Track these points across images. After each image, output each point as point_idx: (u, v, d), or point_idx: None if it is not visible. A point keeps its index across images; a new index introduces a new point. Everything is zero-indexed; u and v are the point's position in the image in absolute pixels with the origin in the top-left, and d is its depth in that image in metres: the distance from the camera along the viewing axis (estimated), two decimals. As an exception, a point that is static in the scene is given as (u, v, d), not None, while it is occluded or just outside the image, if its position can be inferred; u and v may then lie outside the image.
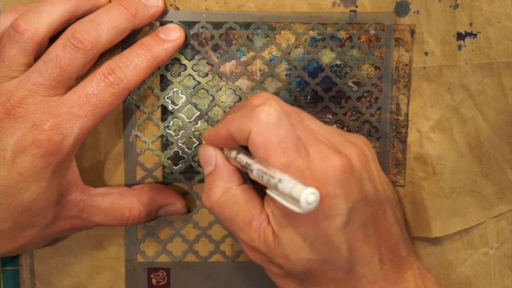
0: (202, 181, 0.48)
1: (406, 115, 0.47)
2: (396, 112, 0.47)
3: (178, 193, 0.48)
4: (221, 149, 0.42)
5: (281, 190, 0.35)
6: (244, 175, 0.42)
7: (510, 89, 0.46)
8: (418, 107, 0.47)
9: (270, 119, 0.39)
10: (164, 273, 0.49)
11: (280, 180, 0.35)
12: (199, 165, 0.48)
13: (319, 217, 0.39)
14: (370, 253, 0.41)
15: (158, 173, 0.48)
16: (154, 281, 0.49)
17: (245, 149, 0.40)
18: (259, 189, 0.42)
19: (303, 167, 0.39)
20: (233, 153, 0.41)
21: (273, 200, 0.39)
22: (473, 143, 0.47)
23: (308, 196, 0.34)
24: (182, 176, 0.48)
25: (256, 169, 0.38)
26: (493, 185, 0.47)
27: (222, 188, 0.41)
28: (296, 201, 0.34)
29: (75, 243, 0.48)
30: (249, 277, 0.49)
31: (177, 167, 0.48)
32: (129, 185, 0.47)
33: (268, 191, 0.37)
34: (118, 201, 0.45)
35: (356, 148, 0.41)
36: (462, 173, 0.47)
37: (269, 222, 0.40)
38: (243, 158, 0.40)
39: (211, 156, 0.42)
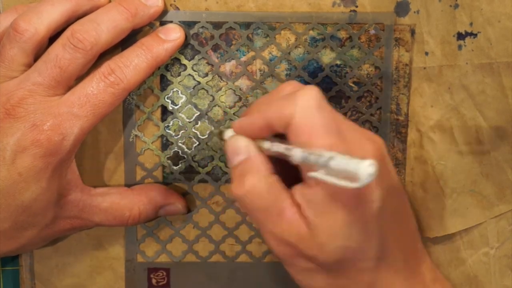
0: (202, 181, 0.48)
1: (406, 115, 0.47)
2: (396, 112, 0.47)
3: (178, 193, 0.48)
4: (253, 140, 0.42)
5: (334, 167, 0.34)
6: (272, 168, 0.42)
7: (510, 89, 0.46)
8: (418, 107, 0.47)
9: (313, 102, 0.38)
10: (164, 273, 0.49)
11: (331, 158, 0.35)
12: (199, 165, 0.48)
13: (357, 202, 0.38)
14: (397, 243, 0.41)
15: (158, 173, 0.48)
16: (154, 281, 0.49)
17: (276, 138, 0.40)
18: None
19: (344, 152, 0.38)
20: (267, 143, 0.40)
21: (310, 187, 0.39)
22: (473, 143, 0.47)
23: (367, 168, 0.33)
24: (182, 176, 0.48)
25: (300, 151, 0.37)
26: (493, 185, 0.47)
27: (257, 176, 0.40)
28: (352, 175, 0.33)
29: (75, 243, 0.48)
30: (248, 277, 0.49)
31: (177, 167, 0.48)
32: (129, 185, 0.48)
33: (312, 174, 0.36)
34: (118, 201, 0.45)
35: (379, 139, 0.41)
36: (462, 173, 0.47)
37: (300, 214, 0.39)
38: (280, 145, 0.39)
39: (244, 146, 0.41)
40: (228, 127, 0.43)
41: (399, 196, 0.42)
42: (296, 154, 0.37)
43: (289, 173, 0.40)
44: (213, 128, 0.47)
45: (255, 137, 0.41)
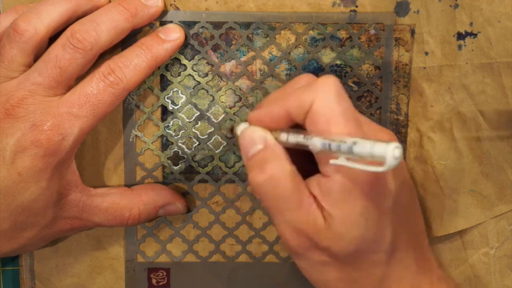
0: (202, 181, 0.48)
1: (406, 115, 0.47)
2: (396, 112, 0.47)
3: (178, 193, 0.48)
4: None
5: (357, 153, 0.34)
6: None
7: (510, 89, 0.46)
8: (418, 107, 0.47)
9: (333, 90, 0.38)
10: (164, 273, 0.49)
11: (355, 143, 0.34)
12: (199, 165, 0.48)
13: (374, 192, 0.39)
14: (407, 239, 0.41)
15: (158, 173, 0.48)
16: (154, 281, 0.49)
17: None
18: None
19: None
20: (283, 134, 0.40)
21: (327, 178, 0.39)
22: (473, 143, 0.47)
23: (394, 150, 0.33)
24: (182, 176, 0.48)
25: (320, 139, 0.37)
26: (493, 185, 0.47)
27: (279, 164, 0.40)
28: (378, 159, 0.33)
29: (75, 243, 0.48)
30: (249, 277, 0.49)
31: (177, 167, 0.48)
32: (129, 185, 0.47)
33: (334, 161, 0.36)
34: (118, 201, 0.45)
35: (391, 133, 0.42)
36: (462, 173, 0.47)
37: (317, 205, 0.39)
38: (299, 134, 0.39)
39: (261, 136, 0.41)
40: (238, 123, 0.43)
41: (411, 192, 0.42)
42: (316, 142, 0.37)
43: (301, 167, 0.40)
44: (214, 128, 0.47)
45: (272, 128, 0.41)
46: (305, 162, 0.40)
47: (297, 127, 0.40)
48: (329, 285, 0.42)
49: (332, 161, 0.36)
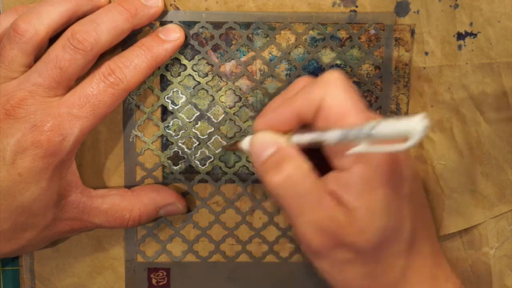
0: (202, 181, 0.48)
1: (406, 115, 0.47)
2: (396, 112, 0.47)
3: (178, 193, 0.47)
4: None
5: (380, 133, 0.34)
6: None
7: (510, 89, 0.46)
8: (418, 107, 0.47)
9: (342, 84, 0.39)
10: (164, 273, 0.49)
11: (375, 126, 0.34)
12: (199, 165, 0.48)
13: (393, 180, 0.39)
14: (423, 229, 0.41)
15: (158, 173, 0.48)
16: (154, 281, 0.49)
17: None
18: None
19: None
20: (295, 136, 0.40)
21: (345, 171, 0.39)
22: (473, 143, 0.47)
23: (421, 121, 0.32)
24: (182, 176, 0.48)
25: (336, 131, 0.37)
26: (493, 185, 0.47)
27: (295, 163, 0.39)
28: (403, 135, 0.33)
29: (75, 243, 0.48)
30: (248, 277, 0.49)
31: (177, 167, 0.48)
32: (129, 185, 0.47)
33: (353, 150, 0.36)
34: (118, 202, 0.45)
35: None
36: (462, 173, 0.47)
37: (337, 201, 0.39)
38: (309, 134, 0.39)
39: (271, 139, 0.40)
40: (242, 138, 0.43)
41: (419, 182, 0.42)
42: (332, 135, 0.37)
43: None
44: (214, 128, 0.47)
45: (281, 132, 0.41)
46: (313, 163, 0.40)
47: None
48: (352, 283, 0.41)
49: (350, 151, 0.36)
